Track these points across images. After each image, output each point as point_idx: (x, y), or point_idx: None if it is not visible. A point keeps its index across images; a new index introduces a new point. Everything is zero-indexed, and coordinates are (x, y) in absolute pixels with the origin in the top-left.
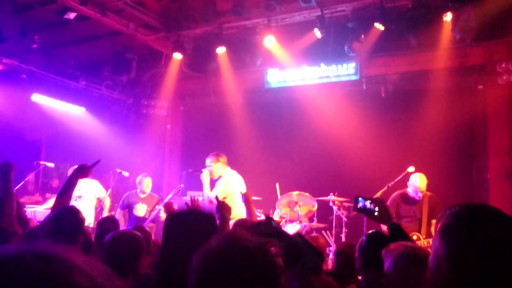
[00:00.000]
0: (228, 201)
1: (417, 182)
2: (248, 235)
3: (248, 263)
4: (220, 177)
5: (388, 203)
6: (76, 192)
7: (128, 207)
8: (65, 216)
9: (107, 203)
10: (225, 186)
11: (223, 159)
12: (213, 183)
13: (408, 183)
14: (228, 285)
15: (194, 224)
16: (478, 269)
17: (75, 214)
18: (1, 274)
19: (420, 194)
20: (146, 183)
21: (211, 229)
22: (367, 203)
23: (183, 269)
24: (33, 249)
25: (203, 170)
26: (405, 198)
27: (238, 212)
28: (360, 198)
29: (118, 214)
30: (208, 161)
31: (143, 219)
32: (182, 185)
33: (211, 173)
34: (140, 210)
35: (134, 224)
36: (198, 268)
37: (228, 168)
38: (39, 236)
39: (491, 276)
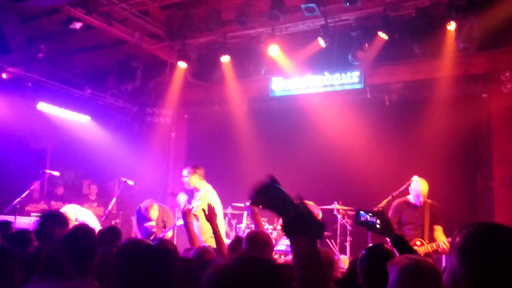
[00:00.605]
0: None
1: (419, 186)
2: (262, 257)
3: (260, 285)
4: (195, 189)
5: (390, 211)
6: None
7: (138, 222)
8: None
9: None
10: (205, 198)
11: (201, 171)
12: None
13: (409, 189)
14: None
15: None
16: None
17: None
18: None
19: (422, 199)
20: (151, 212)
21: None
22: (368, 217)
23: None
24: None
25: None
26: (407, 205)
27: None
28: (361, 212)
29: (134, 226)
30: (185, 172)
31: (152, 232)
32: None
33: (186, 183)
34: (150, 226)
35: (145, 235)
36: (210, 283)
37: (204, 181)
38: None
39: None
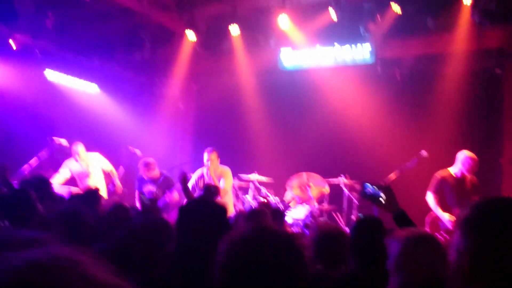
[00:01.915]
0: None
1: (473, 156)
2: (274, 225)
3: (275, 253)
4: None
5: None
6: (84, 170)
7: (139, 190)
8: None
9: (115, 174)
10: (231, 178)
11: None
12: None
13: (461, 160)
14: (254, 273)
15: (207, 216)
16: (499, 262)
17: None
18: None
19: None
20: (145, 173)
21: (223, 222)
22: (374, 189)
23: (197, 258)
24: (44, 256)
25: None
26: (455, 178)
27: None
28: (366, 184)
29: (136, 196)
30: (213, 155)
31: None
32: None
33: (210, 165)
34: (150, 191)
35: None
36: (225, 256)
37: None
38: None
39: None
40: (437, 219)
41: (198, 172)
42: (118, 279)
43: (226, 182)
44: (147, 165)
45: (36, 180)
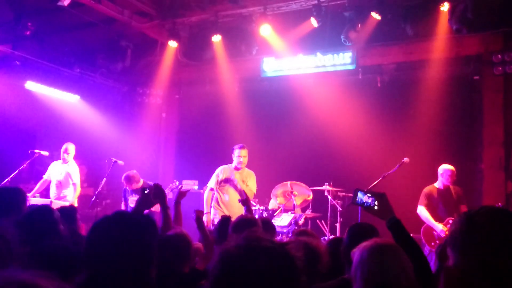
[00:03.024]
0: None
1: (450, 167)
2: (268, 236)
3: (270, 264)
4: (237, 168)
5: (425, 200)
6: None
7: (125, 201)
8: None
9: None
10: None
11: None
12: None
13: (440, 174)
14: (249, 283)
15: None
16: (485, 274)
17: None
18: None
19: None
20: (127, 186)
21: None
22: (367, 197)
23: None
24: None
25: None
26: (439, 191)
27: None
28: (359, 192)
29: (122, 206)
30: (246, 152)
31: None
32: (177, 182)
33: (244, 163)
34: (133, 201)
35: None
36: (218, 268)
37: None
38: None
39: (498, 282)
40: (431, 229)
41: (220, 169)
42: None
43: (254, 184)
44: (128, 179)
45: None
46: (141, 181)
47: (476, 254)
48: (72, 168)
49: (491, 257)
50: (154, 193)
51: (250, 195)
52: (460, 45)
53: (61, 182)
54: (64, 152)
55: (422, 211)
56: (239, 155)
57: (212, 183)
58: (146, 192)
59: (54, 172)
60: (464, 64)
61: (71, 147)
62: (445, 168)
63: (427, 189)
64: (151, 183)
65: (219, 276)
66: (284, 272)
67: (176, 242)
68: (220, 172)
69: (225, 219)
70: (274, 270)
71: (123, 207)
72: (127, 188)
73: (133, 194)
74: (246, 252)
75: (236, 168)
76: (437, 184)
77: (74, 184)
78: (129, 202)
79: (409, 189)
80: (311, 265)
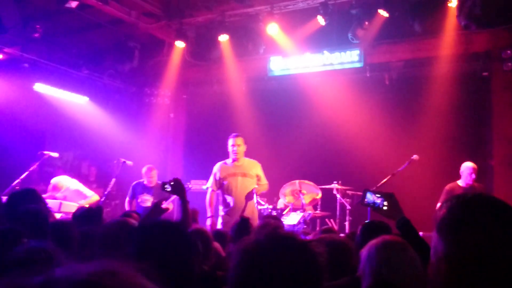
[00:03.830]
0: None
1: (470, 165)
2: (290, 233)
3: (292, 260)
4: (235, 160)
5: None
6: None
7: (134, 197)
8: None
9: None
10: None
11: None
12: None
13: (461, 171)
14: (269, 281)
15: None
16: (476, 264)
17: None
18: None
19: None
20: (152, 176)
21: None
22: (376, 197)
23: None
24: (101, 269)
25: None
26: (463, 189)
27: None
28: (368, 192)
29: (126, 203)
30: (240, 140)
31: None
32: (190, 184)
33: (239, 152)
34: (145, 200)
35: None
36: (239, 264)
37: None
38: None
39: (490, 273)
40: None
41: (217, 167)
42: None
43: (263, 175)
44: (150, 169)
45: (25, 192)
46: (156, 178)
47: (473, 244)
48: (75, 187)
49: (490, 247)
50: (173, 188)
51: (265, 189)
52: (468, 41)
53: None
54: (53, 191)
55: None
56: (232, 144)
57: (210, 183)
58: (166, 187)
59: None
60: (473, 60)
61: (60, 180)
62: (465, 166)
63: (449, 186)
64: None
65: (238, 272)
66: (306, 269)
67: (196, 239)
68: (217, 170)
69: (244, 220)
70: (296, 266)
71: (127, 205)
72: (145, 180)
73: (144, 193)
74: (267, 247)
75: (234, 160)
76: (460, 182)
77: (87, 197)
78: (139, 199)
79: (419, 187)
80: (338, 261)
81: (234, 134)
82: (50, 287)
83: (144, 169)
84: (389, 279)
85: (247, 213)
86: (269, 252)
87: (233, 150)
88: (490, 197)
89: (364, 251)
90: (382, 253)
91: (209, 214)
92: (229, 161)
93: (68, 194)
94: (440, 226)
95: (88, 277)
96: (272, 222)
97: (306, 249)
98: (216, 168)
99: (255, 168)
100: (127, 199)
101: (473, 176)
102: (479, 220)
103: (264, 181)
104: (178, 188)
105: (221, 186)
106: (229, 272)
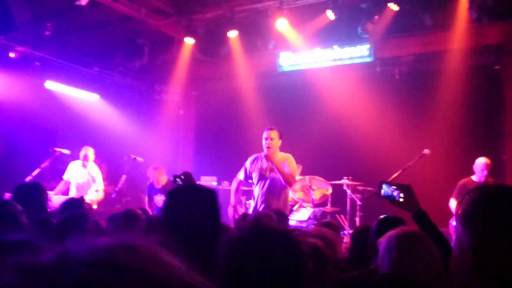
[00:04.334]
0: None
1: (483, 161)
2: (273, 223)
3: (276, 249)
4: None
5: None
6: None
7: (149, 197)
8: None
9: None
10: (295, 163)
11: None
12: None
13: (474, 167)
14: (255, 270)
15: (195, 198)
16: (502, 255)
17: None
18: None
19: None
20: (156, 176)
21: (212, 205)
22: (392, 189)
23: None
24: (120, 241)
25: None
26: (475, 183)
27: None
28: (384, 184)
29: (146, 202)
30: (274, 133)
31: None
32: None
33: (272, 147)
34: (159, 201)
35: (157, 211)
36: (225, 254)
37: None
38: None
39: None
40: None
41: (250, 159)
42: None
43: (292, 167)
44: (156, 169)
45: (29, 187)
46: (165, 176)
47: (499, 234)
48: (95, 172)
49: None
50: (184, 181)
51: (289, 180)
52: (480, 34)
53: (83, 185)
54: (83, 159)
55: (452, 204)
56: (265, 137)
57: (240, 173)
58: (177, 180)
59: (75, 174)
60: (485, 53)
61: (90, 153)
62: (478, 161)
63: (462, 181)
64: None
65: (225, 261)
66: (290, 258)
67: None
68: (249, 162)
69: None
70: (281, 255)
71: (146, 205)
72: (153, 180)
73: (159, 193)
74: (252, 237)
75: (266, 155)
76: (474, 177)
77: (97, 190)
78: (155, 201)
79: (430, 181)
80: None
81: (268, 127)
82: (64, 269)
83: (148, 171)
84: (408, 270)
85: (276, 206)
86: (251, 243)
87: (264, 144)
88: (506, 187)
89: (383, 242)
90: (403, 244)
91: (232, 202)
92: (262, 154)
93: (85, 175)
94: (464, 218)
95: (108, 256)
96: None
97: (289, 237)
98: (249, 160)
99: (287, 161)
100: (146, 198)
101: (485, 172)
102: (503, 210)
103: (292, 172)
104: (189, 181)
105: (250, 178)
106: (217, 261)
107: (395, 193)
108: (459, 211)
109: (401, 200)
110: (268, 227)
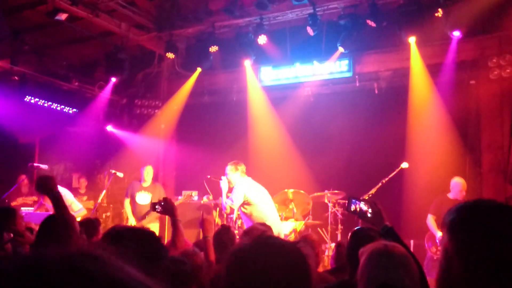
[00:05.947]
0: (252, 210)
1: (460, 181)
2: (277, 237)
3: (281, 262)
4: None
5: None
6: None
7: (131, 197)
8: None
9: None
10: (239, 195)
11: (242, 168)
12: None
13: (451, 187)
14: (261, 284)
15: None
16: (488, 260)
17: None
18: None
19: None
20: (146, 171)
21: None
22: (361, 205)
23: None
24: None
25: (222, 177)
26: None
27: (269, 219)
28: (353, 200)
29: (125, 202)
30: (227, 169)
31: (146, 206)
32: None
33: (229, 181)
34: (142, 198)
35: (137, 211)
36: (230, 269)
37: (246, 177)
38: None
39: (502, 266)
40: (434, 236)
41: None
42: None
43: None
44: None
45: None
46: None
47: (483, 240)
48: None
49: (497, 242)
50: (163, 208)
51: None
52: (455, 50)
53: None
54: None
55: (429, 219)
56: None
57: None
58: (156, 207)
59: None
60: (460, 69)
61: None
62: (454, 181)
63: (438, 198)
64: (158, 184)
65: (230, 276)
66: (295, 270)
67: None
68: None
69: (225, 228)
70: (286, 268)
71: (128, 206)
72: (140, 180)
73: (142, 190)
74: (256, 248)
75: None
76: (450, 195)
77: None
78: (136, 198)
79: (408, 195)
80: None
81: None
82: (31, 273)
83: (141, 169)
84: (387, 285)
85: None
86: (258, 256)
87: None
88: (492, 200)
89: (363, 256)
90: (383, 259)
91: None
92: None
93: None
94: (450, 226)
95: (72, 262)
96: (260, 227)
97: (295, 250)
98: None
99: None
100: (128, 199)
101: (463, 193)
102: (489, 221)
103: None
104: (168, 208)
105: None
106: (222, 276)
107: (364, 208)
108: (445, 221)
109: (369, 215)
110: (273, 240)
